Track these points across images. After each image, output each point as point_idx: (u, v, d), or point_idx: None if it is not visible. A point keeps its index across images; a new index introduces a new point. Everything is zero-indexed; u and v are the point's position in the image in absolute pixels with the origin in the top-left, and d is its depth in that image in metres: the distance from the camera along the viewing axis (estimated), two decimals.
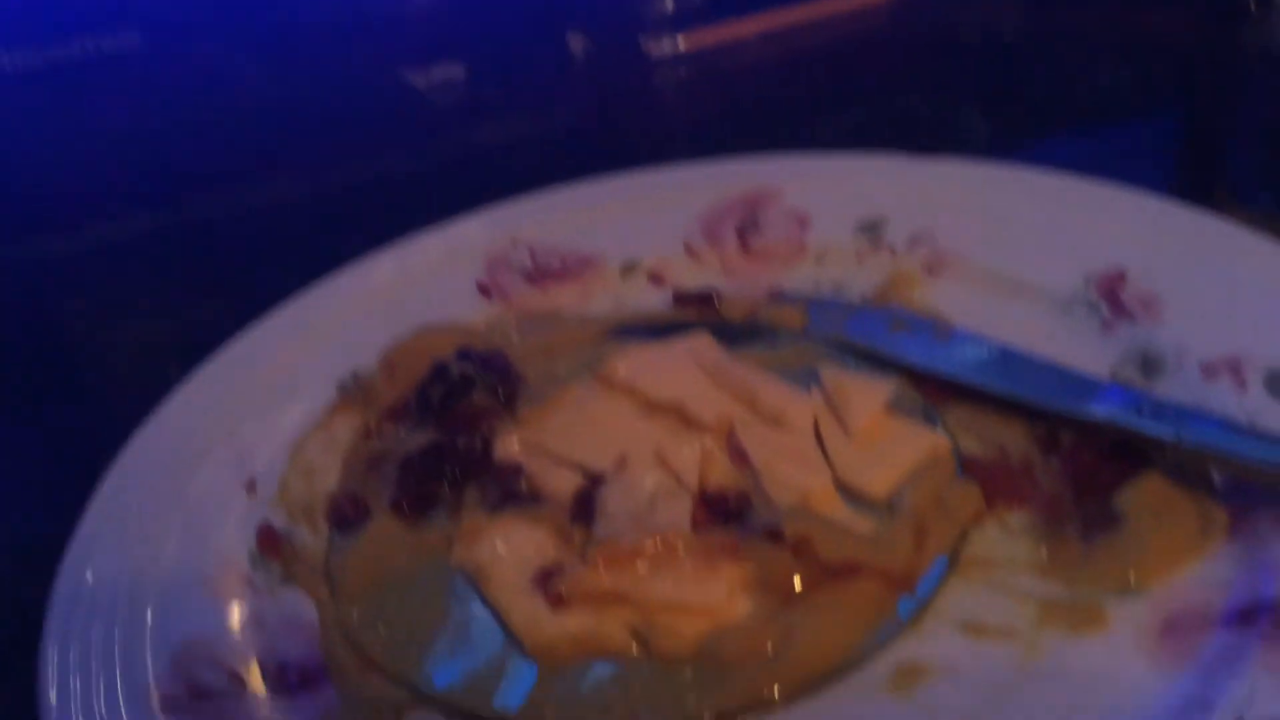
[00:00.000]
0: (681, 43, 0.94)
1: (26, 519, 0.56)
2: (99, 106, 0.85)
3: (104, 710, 0.40)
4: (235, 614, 0.45)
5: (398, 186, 0.87)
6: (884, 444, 0.48)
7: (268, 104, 0.93)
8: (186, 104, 0.88)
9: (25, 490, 0.59)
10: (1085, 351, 0.51)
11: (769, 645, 0.41)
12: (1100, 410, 0.46)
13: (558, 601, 0.43)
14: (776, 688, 0.40)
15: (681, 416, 0.50)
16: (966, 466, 0.47)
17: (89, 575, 0.45)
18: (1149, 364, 0.50)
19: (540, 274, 0.62)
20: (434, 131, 0.94)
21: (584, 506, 0.47)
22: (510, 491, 0.48)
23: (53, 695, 0.40)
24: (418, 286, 0.61)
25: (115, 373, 0.70)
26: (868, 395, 0.50)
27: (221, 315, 0.70)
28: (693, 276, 0.62)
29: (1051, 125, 0.86)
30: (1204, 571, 0.41)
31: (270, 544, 0.48)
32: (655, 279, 0.62)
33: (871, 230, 0.61)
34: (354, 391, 0.56)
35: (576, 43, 0.97)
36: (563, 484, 0.48)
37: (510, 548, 0.46)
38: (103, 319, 0.76)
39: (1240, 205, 0.76)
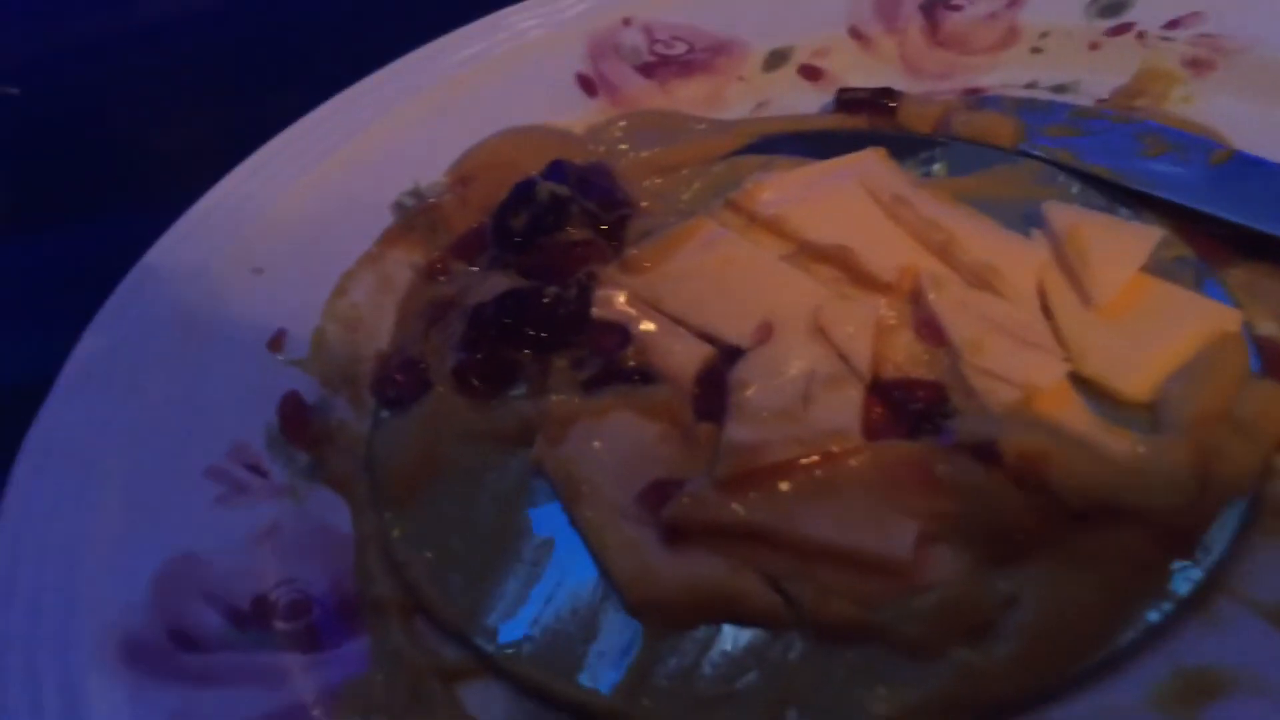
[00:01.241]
0: None
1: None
2: None
3: (55, 663, 0.29)
4: (241, 522, 0.34)
5: None
6: (1144, 321, 0.34)
7: None
8: None
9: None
10: None
11: (979, 623, 0.28)
12: None
13: (673, 533, 0.31)
14: (990, 691, 0.27)
15: (849, 268, 0.37)
16: (1266, 358, 0.33)
17: (58, 456, 0.35)
18: None
19: (659, 64, 0.49)
20: None
21: (713, 395, 0.34)
22: (613, 366, 0.36)
23: None
24: (501, 78, 0.49)
25: (142, 177, 0.58)
26: (1118, 250, 0.36)
27: (267, 105, 0.59)
28: (861, 70, 0.48)
29: None
30: None
31: (296, 422, 0.37)
32: (811, 73, 0.48)
33: (1112, 9, 0.46)
34: (415, 215, 0.44)
35: None
36: (685, 359, 0.36)
37: (611, 448, 0.34)
38: (138, 109, 0.64)
39: None
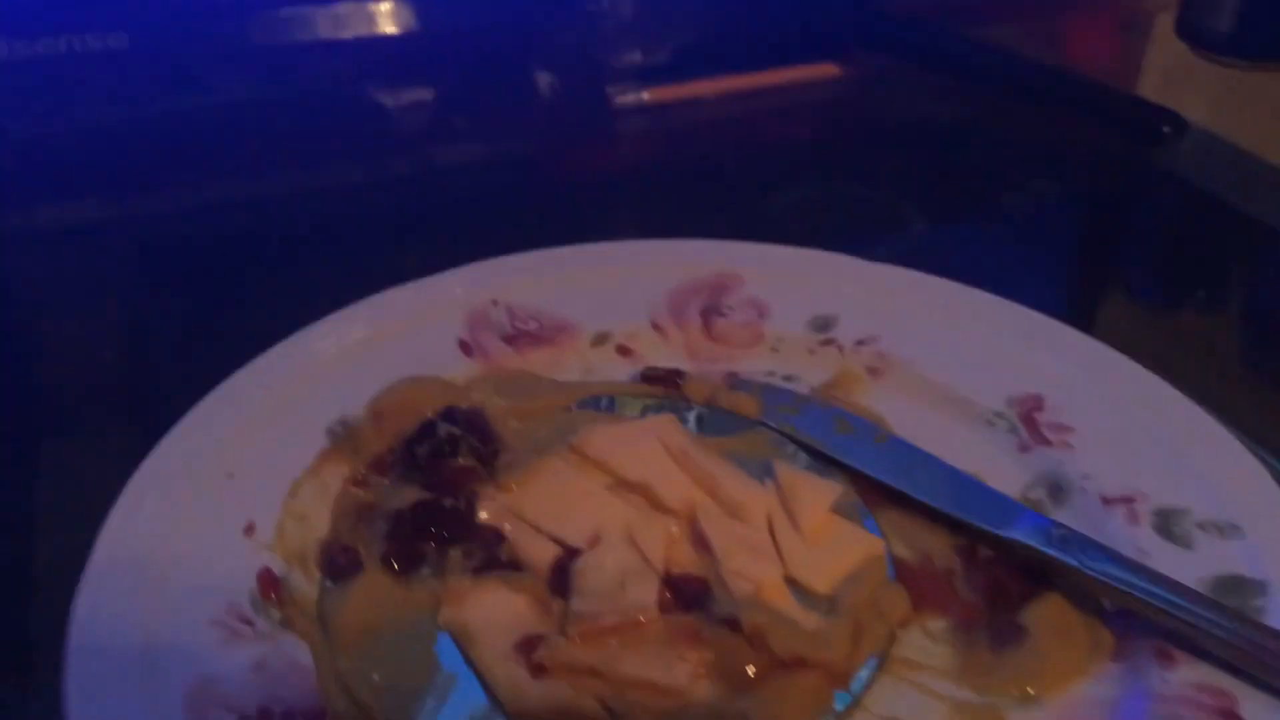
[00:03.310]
0: (645, 95, 0.99)
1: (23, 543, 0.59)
2: (76, 101, 0.87)
3: None
4: (241, 657, 0.49)
5: (363, 198, 0.91)
6: (828, 542, 0.54)
7: (241, 110, 0.95)
8: (156, 107, 0.91)
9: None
10: (1003, 468, 0.59)
11: None
12: (1016, 533, 0.53)
13: (538, 670, 0.49)
14: None
15: (649, 497, 0.56)
16: (897, 570, 0.54)
17: (103, 619, 0.49)
18: (1056, 489, 0.57)
19: (518, 336, 0.67)
20: (400, 149, 0.99)
21: (561, 580, 0.52)
22: (493, 557, 0.54)
23: None
24: (402, 339, 0.66)
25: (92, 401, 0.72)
26: (817, 495, 0.56)
27: (176, 331, 0.75)
28: (658, 352, 0.67)
29: (970, 214, 0.94)
30: (1091, 689, 0.48)
31: (269, 588, 0.52)
32: (623, 351, 0.67)
33: (823, 326, 0.68)
34: (343, 439, 0.60)
35: (543, 81, 1.01)
36: (541, 554, 0.54)
37: (493, 613, 0.51)
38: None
39: (1131, 299, 0.85)
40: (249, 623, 0.51)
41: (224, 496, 0.56)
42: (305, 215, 0.90)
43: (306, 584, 0.53)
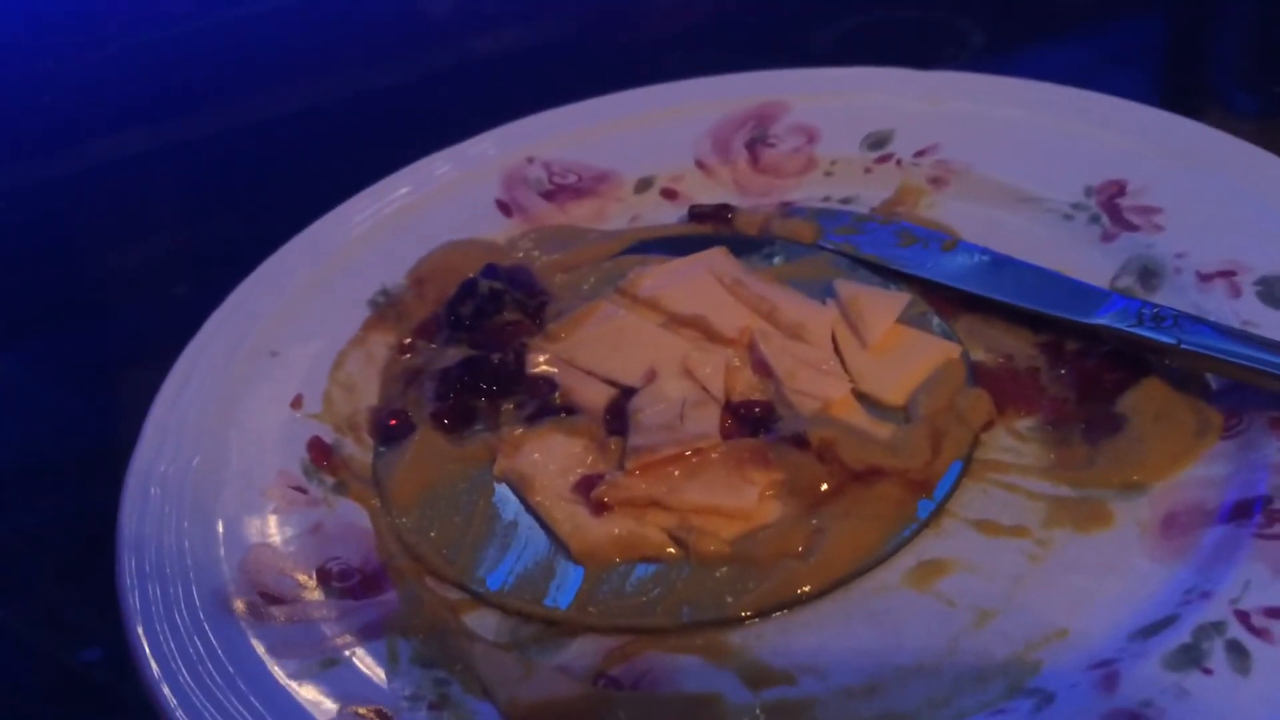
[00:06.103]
0: None
1: (76, 437, 0.59)
2: (100, 27, 0.86)
3: (185, 615, 0.43)
4: (295, 522, 0.48)
5: (399, 97, 0.88)
6: (898, 354, 0.51)
7: (269, 19, 0.93)
8: (187, 20, 0.89)
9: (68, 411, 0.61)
10: (1087, 261, 0.54)
11: (799, 545, 0.44)
12: (1102, 319, 0.49)
13: (600, 508, 0.46)
14: (807, 584, 0.43)
15: (704, 330, 0.53)
16: (977, 374, 0.50)
17: (153, 490, 0.48)
18: (1148, 273, 0.53)
19: (558, 190, 0.64)
20: (431, 43, 0.95)
21: (618, 418, 0.49)
22: (546, 405, 0.51)
23: (134, 599, 0.43)
24: (439, 206, 0.63)
25: (134, 293, 0.72)
26: (882, 308, 0.52)
27: (229, 232, 0.74)
28: (705, 191, 0.63)
29: (1037, 31, 0.87)
30: (1201, 470, 0.44)
31: (321, 456, 0.51)
32: (669, 194, 0.64)
33: (878, 143, 0.63)
34: (385, 308, 0.58)
35: None
36: (595, 396, 0.51)
37: (551, 457, 0.49)
38: (107, 240, 0.78)
39: (1223, 109, 0.79)
40: (302, 490, 0.49)
41: (269, 372, 0.54)
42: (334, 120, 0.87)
43: (359, 450, 0.52)
